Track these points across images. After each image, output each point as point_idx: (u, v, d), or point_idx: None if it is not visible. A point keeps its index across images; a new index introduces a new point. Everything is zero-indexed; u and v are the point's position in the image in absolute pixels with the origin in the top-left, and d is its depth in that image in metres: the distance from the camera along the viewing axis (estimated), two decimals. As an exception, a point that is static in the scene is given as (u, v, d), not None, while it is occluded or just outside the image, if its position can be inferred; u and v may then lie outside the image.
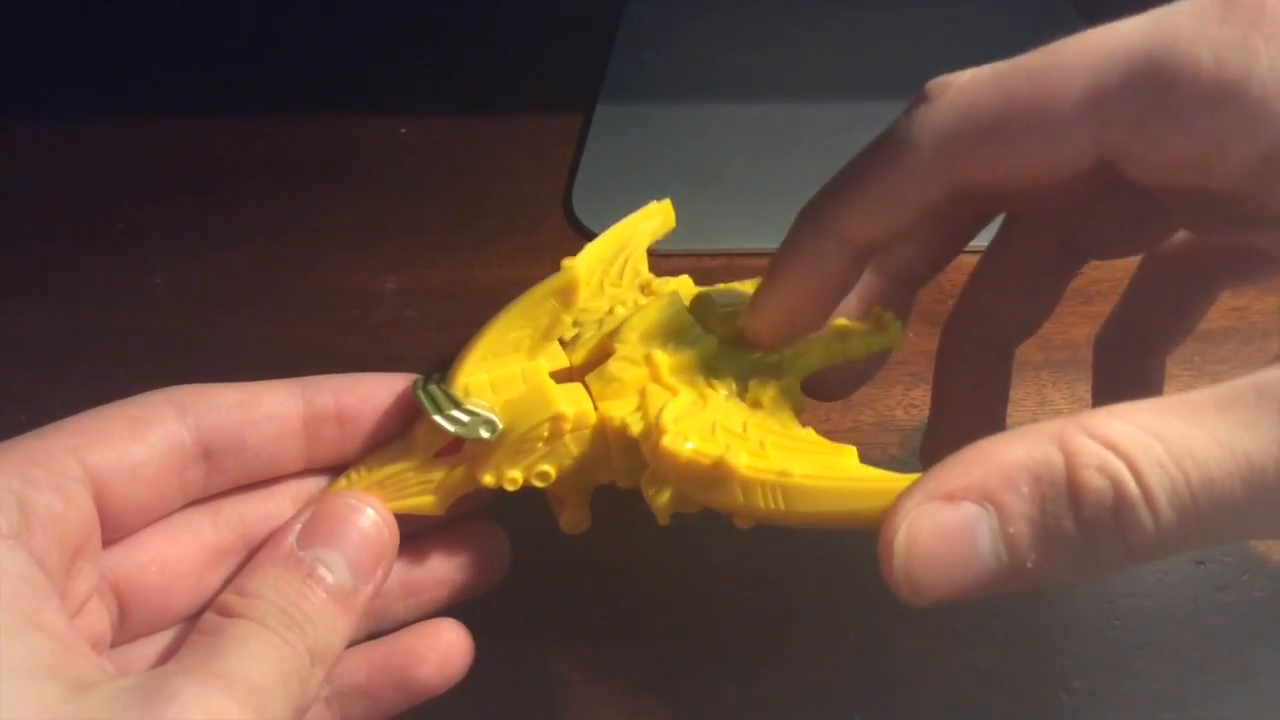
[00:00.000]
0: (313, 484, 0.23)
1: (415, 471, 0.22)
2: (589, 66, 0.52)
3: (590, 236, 0.30)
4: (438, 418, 0.22)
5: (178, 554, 0.21)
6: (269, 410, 0.22)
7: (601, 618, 0.26)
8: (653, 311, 0.24)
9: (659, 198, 0.33)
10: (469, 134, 0.48)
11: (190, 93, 0.53)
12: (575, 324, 0.26)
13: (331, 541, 0.21)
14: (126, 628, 0.21)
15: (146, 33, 0.58)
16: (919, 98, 0.21)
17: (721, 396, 0.23)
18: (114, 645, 0.21)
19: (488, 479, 0.22)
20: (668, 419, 0.22)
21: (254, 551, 0.22)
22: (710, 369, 0.23)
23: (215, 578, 0.22)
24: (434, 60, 0.54)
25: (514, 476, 0.22)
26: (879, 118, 0.22)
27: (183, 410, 0.21)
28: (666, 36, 0.56)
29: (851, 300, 0.24)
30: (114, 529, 0.21)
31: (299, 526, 0.21)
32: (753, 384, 0.23)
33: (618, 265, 0.30)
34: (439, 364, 0.23)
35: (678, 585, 0.27)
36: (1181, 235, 0.24)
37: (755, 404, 0.23)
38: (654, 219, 0.31)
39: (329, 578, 0.20)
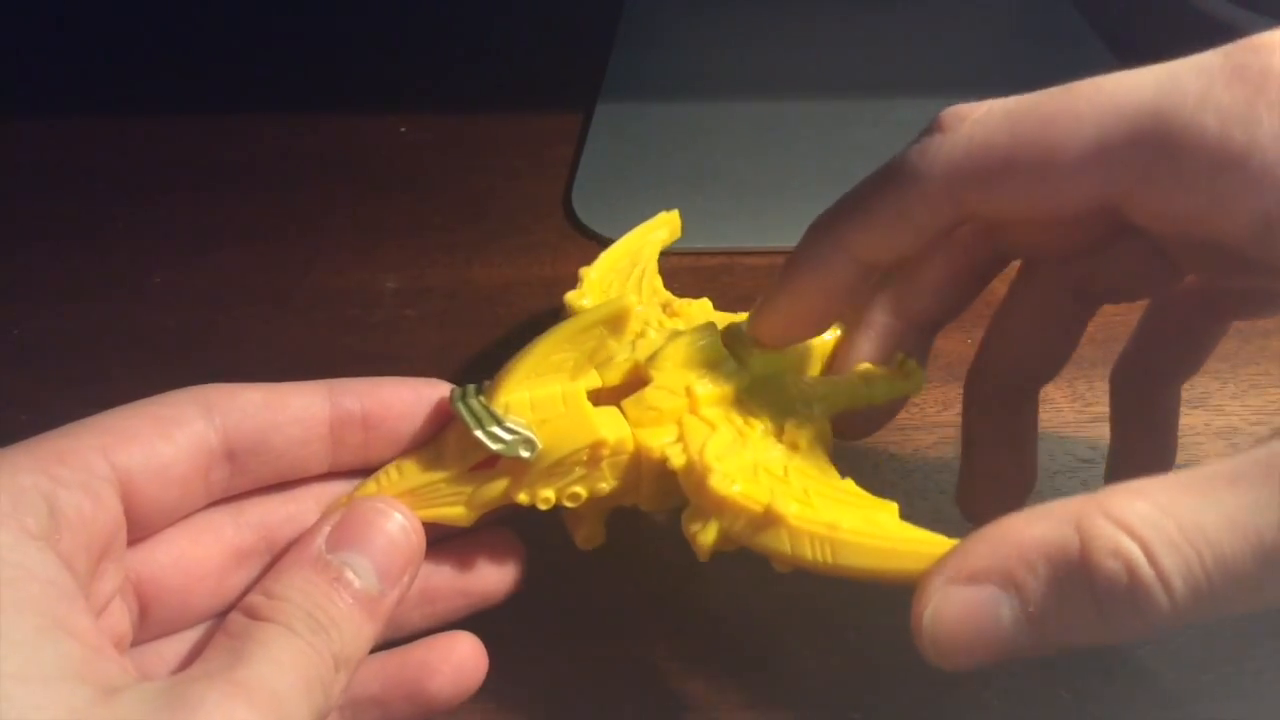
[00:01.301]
0: (336, 487, 0.23)
1: (447, 482, 0.22)
2: (589, 66, 0.52)
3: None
4: (479, 433, 0.22)
5: (200, 555, 0.21)
6: (295, 413, 0.22)
7: (601, 617, 0.26)
8: (689, 341, 0.24)
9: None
10: (469, 134, 0.48)
11: (190, 92, 0.53)
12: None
13: (360, 545, 0.21)
14: (147, 627, 0.21)
15: (146, 32, 0.58)
16: (933, 126, 0.21)
17: (758, 434, 0.23)
18: (134, 644, 0.21)
19: (522, 497, 0.23)
20: (711, 457, 0.22)
21: (276, 554, 0.22)
22: (744, 404, 0.24)
23: (236, 579, 0.22)
24: (434, 60, 0.54)
25: (547, 496, 0.23)
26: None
27: (209, 410, 0.21)
28: (666, 36, 0.56)
29: (874, 345, 0.25)
30: (139, 529, 0.20)
31: (328, 529, 0.21)
32: (789, 425, 0.23)
33: (634, 277, 0.30)
34: (466, 373, 0.23)
35: (678, 585, 0.27)
36: (1191, 277, 0.24)
37: (793, 445, 0.23)
38: (663, 229, 0.32)
39: (356, 582, 0.20)
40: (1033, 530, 0.18)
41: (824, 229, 0.23)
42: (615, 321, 0.23)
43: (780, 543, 0.21)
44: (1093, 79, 0.20)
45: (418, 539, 0.21)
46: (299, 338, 0.36)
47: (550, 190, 0.43)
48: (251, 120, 0.49)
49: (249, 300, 0.38)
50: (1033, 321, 0.25)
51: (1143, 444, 0.26)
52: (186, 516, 0.21)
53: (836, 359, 0.27)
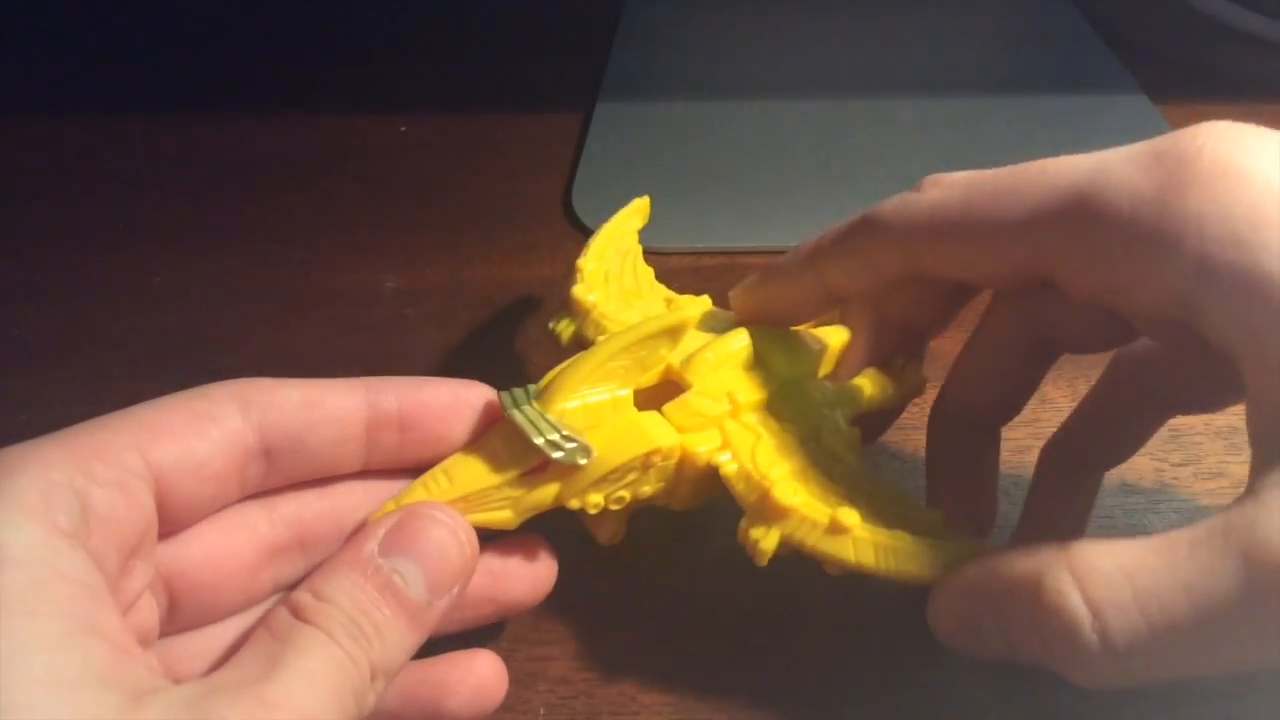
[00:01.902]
0: (372, 484, 0.23)
1: (497, 488, 0.22)
2: (588, 66, 0.52)
3: (590, 235, 0.30)
4: (539, 441, 0.22)
5: (232, 550, 0.21)
6: (332, 412, 0.22)
7: (600, 616, 0.26)
8: (725, 347, 0.25)
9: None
10: (469, 133, 0.48)
11: (190, 92, 0.53)
12: (597, 327, 0.27)
13: (412, 553, 0.20)
14: (175, 621, 0.21)
15: (146, 32, 0.58)
16: (915, 186, 0.23)
17: (797, 440, 0.24)
18: (162, 636, 0.21)
19: (574, 503, 0.23)
20: (765, 465, 0.23)
21: (309, 551, 0.22)
22: (775, 409, 0.25)
23: (268, 575, 0.22)
24: (434, 60, 0.54)
25: (597, 501, 0.23)
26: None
27: (246, 406, 0.21)
28: (666, 36, 0.56)
29: (870, 349, 0.27)
30: (171, 524, 0.20)
31: (383, 531, 0.21)
32: (825, 432, 0.24)
33: (628, 266, 0.30)
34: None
35: (677, 585, 0.27)
36: (1147, 346, 0.25)
37: (832, 452, 0.24)
38: (636, 216, 0.32)
39: (404, 590, 0.20)
40: (1013, 566, 0.20)
41: (804, 250, 0.25)
42: (676, 333, 0.24)
43: (845, 551, 0.22)
44: (1043, 161, 0.21)
45: (471, 551, 0.21)
46: (299, 338, 0.36)
47: (550, 190, 0.43)
48: (252, 120, 0.49)
49: (249, 300, 0.38)
50: (994, 364, 0.26)
51: (1054, 521, 0.26)
52: (219, 511, 0.21)
53: (841, 361, 0.27)
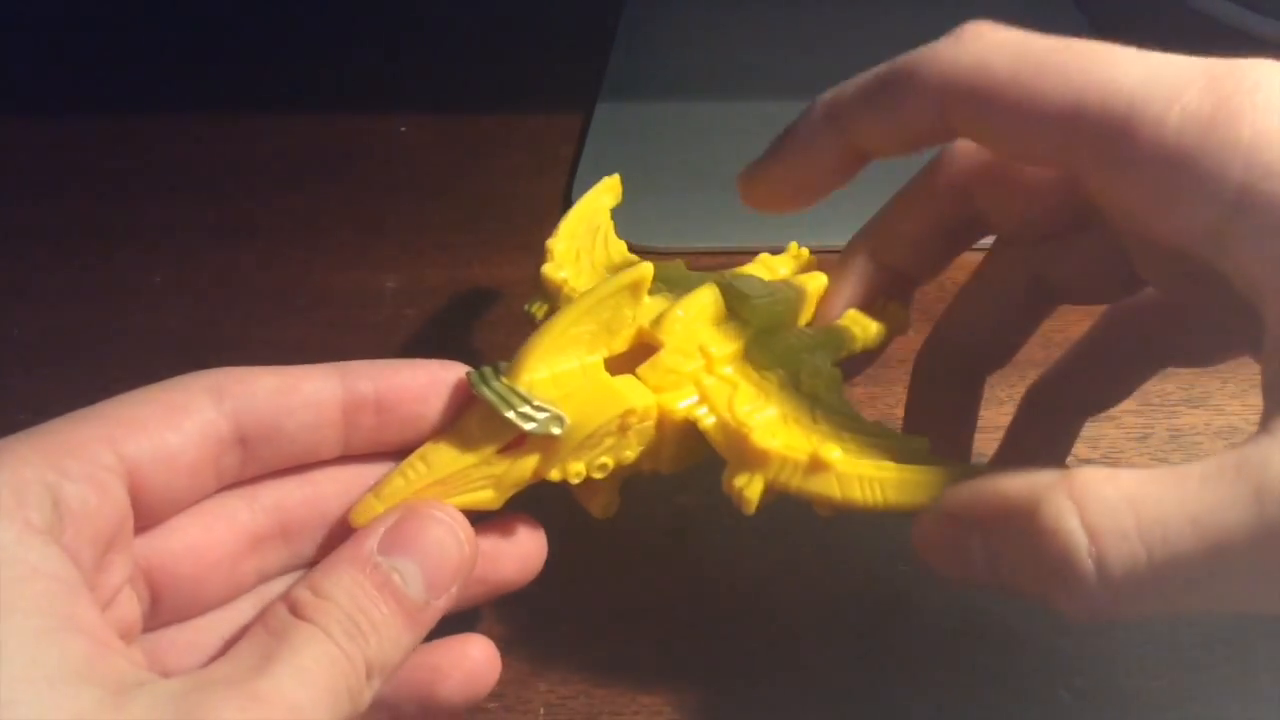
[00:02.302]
0: (352, 470, 0.22)
1: (476, 468, 0.22)
2: (589, 66, 0.52)
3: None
4: (510, 415, 0.21)
5: (213, 541, 0.21)
6: (307, 397, 0.21)
7: (600, 616, 0.26)
8: (695, 303, 0.24)
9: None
10: (469, 134, 0.48)
11: (190, 92, 0.53)
12: (568, 302, 0.26)
13: (412, 552, 0.20)
14: (159, 614, 0.21)
15: (146, 32, 0.58)
16: (955, 32, 0.22)
17: (776, 386, 0.24)
18: (146, 630, 0.21)
19: (554, 474, 0.22)
20: (743, 414, 0.22)
21: (291, 538, 0.22)
22: (753, 358, 0.24)
23: (250, 564, 0.22)
24: (434, 60, 0.54)
25: (578, 470, 0.23)
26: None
27: (219, 396, 0.21)
28: (666, 36, 0.56)
29: (856, 291, 0.26)
30: (147, 518, 0.20)
31: (383, 529, 0.20)
32: (804, 375, 0.24)
33: (599, 242, 0.30)
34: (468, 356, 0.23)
35: (677, 584, 0.27)
36: (1147, 295, 0.24)
37: (813, 394, 0.23)
38: (608, 194, 0.32)
39: (403, 588, 0.20)
40: (1007, 486, 0.19)
41: (823, 105, 0.24)
42: (635, 289, 0.23)
43: (830, 488, 0.22)
44: (1100, 46, 0.20)
45: (470, 550, 0.21)
46: (299, 338, 0.36)
47: (550, 190, 0.43)
48: (251, 120, 0.49)
49: (249, 300, 0.38)
50: (990, 307, 0.25)
51: (1030, 463, 0.26)
52: (198, 502, 0.21)
53: (822, 305, 0.27)
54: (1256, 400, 0.33)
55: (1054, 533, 0.18)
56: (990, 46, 0.21)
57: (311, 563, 0.22)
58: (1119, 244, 0.23)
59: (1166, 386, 0.32)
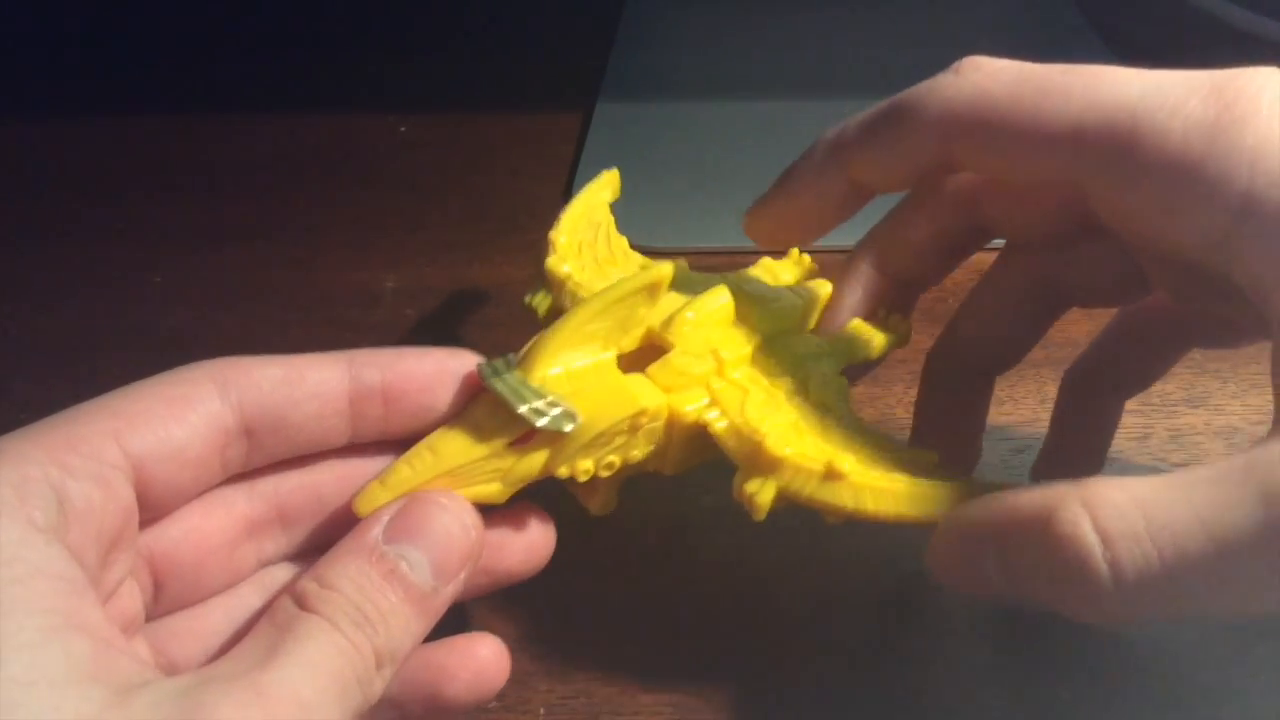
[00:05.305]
0: (353, 460, 0.22)
1: (484, 460, 0.22)
2: (589, 65, 0.52)
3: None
4: (523, 409, 0.21)
5: (210, 528, 0.21)
6: (313, 388, 0.21)
7: (601, 615, 0.26)
8: (706, 305, 0.25)
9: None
10: (469, 133, 0.48)
11: (190, 92, 0.53)
12: (572, 298, 0.27)
13: (418, 539, 0.20)
14: (161, 602, 0.21)
15: (146, 31, 0.58)
16: (952, 68, 0.22)
17: (785, 394, 0.24)
18: (150, 619, 0.20)
19: (563, 470, 0.22)
20: (756, 420, 0.22)
21: (289, 524, 0.22)
22: (761, 364, 0.24)
23: (248, 551, 0.21)
24: (434, 60, 0.54)
25: (586, 468, 0.22)
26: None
27: (224, 387, 0.20)
28: (666, 35, 0.56)
29: (859, 299, 0.26)
30: (152, 511, 0.20)
31: (387, 518, 0.20)
32: (813, 384, 0.24)
33: (601, 236, 0.30)
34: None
35: (677, 584, 0.27)
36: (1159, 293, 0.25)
37: (822, 402, 0.24)
38: (606, 189, 0.32)
39: (410, 576, 0.20)
40: (1019, 500, 0.20)
41: (825, 142, 0.24)
42: (654, 289, 0.23)
43: (843, 498, 0.22)
44: (1100, 67, 0.20)
45: (476, 536, 0.21)
46: (299, 338, 0.36)
47: (550, 190, 0.43)
48: (252, 120, 0.49)
49: (249, 300, 0.38)
50: (1001, 308, 0.26)
51: (1076, 448, 0.26)
52: (202, 494, 0.21)
53: (826, 312, 0.27)
54: (1257, 400, 0.33)
55: (1069, 538, 0.18)
56: (989, 75, 0.21)
57: (311, 548, 0.22)
58: (1129, 255, 0.23)
59: (1166, 386, 0.32)
